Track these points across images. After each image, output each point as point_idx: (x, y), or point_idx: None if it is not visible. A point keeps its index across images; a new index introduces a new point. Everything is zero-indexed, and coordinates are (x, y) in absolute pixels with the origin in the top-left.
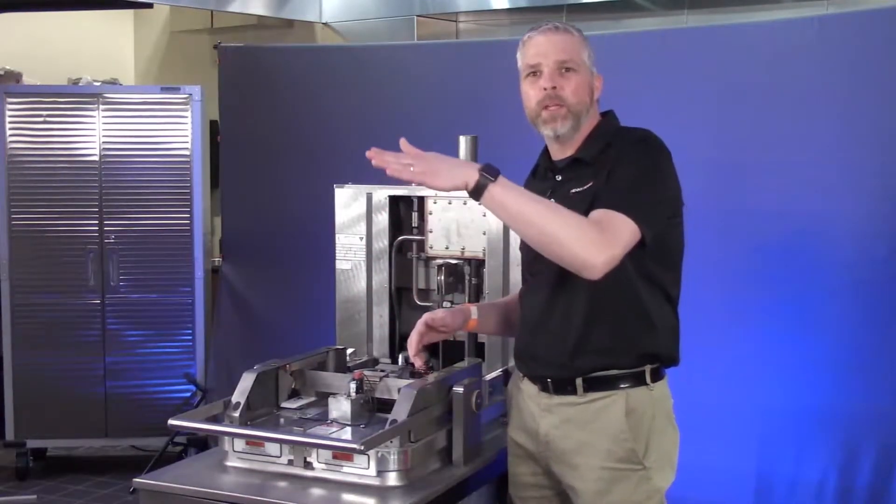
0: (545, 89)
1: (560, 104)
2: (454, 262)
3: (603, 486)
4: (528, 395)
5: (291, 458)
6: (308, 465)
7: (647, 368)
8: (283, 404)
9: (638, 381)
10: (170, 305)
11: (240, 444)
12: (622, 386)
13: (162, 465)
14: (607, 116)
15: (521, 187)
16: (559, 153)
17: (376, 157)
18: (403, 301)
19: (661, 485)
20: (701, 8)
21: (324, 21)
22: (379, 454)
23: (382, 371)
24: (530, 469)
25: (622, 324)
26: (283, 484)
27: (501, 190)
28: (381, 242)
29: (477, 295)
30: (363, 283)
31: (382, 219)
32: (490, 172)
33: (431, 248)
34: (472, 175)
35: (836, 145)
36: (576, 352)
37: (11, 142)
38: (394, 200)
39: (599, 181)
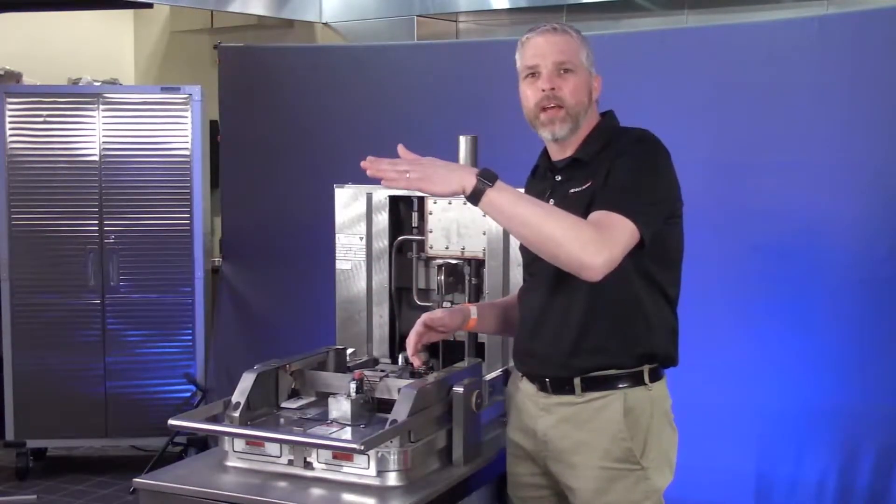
0: (543, 90)
1: (559, 106)
2: (454, 262)
3: (600, 486)
4: (526, 395)
5: (291, 458)
6: (308, 465)
7: (646, 368)
8: (283, 404)
9: (636, 381)
10: (170, 305)
11: (240, 444)
12: (620, 386)
13: (162, 465)
14: (606, 116)
15: (518, 191)
16: (558, 153)
17: (371, 166)
18: (403, 301)
19: (659, 484)
20: (701, 8)
21: (324, 21)
22: (379, 454)
23: (382, 371)
24: (529, 469)
25: (620, 324)
26: (283, 484)
27: (499, 194)
28: (381, 242)
29: (477, 295)
30: (363, 283)
31: (382, 219)
32: (487, 177)
33: (431, 248)
34: (469, 180)
35: (837, 145)
36: (574, 352)
37: (11, 142)
38: (394, 200)
39: (598, 181)
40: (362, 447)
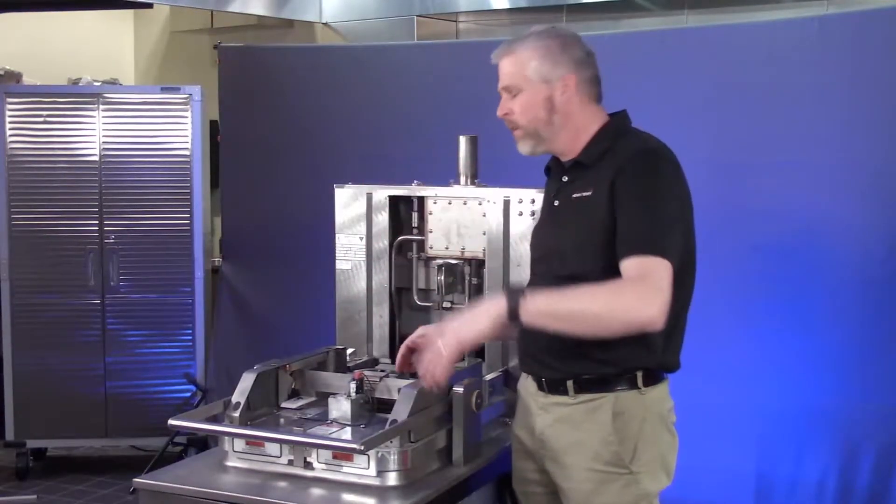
0: (501, 116)
1: (515, 127)
2: (454, 262)
3: (590, 488)
4: (528, 392)
5: (291, 458)
6: (308, 465)
7: (640, 373)
8: (283, 404)
9: (630, 384)
10: (170, 305)
11: (240, 444)
12: (612, 389)
13: (162, 465)
14: (615, 117)
15: (552, 304)
16: (563, 155)
17: (429, 383)
18: (403, 301)
19: (652, 489)
20: (701, 8)
21: (324, 21)
22: (379, 454)
23: (382, 371)
24: (530, 465)
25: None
26: (283, 484)
27: (534, 300)
28: (381, 242)
29: (477, 295)
30: (363, 283)
31: (382, 219)
32: (514, 294)
33: (431, 248)
34: (499, 304)
35: (837, 145)
36: (566, 355)
37: (11, 142)
38: (394, 200)
39: (599, 191)
40: (362, 447)
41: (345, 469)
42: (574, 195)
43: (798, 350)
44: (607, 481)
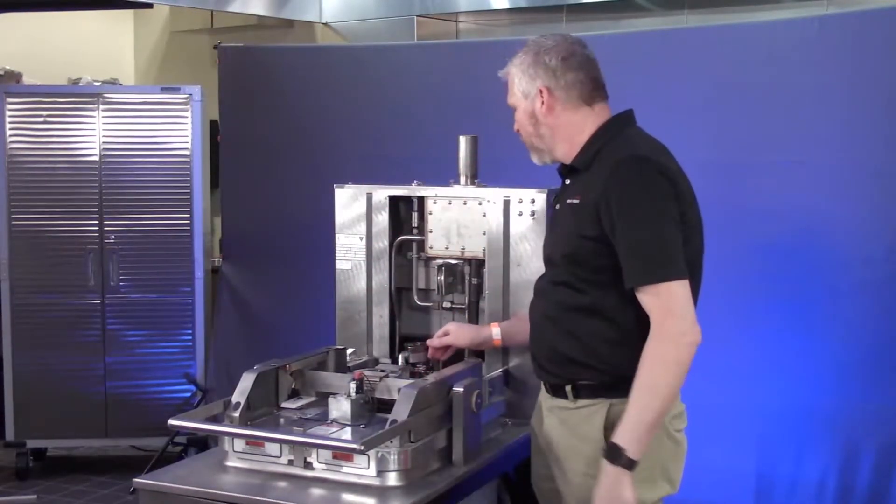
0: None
1: (524, 142)
2: (454, 262)
3: (584, 493)
4: (542, 391)
5: (291, 458)
6: (308, 465)
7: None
8: (283, 404)
9: (626, 391)
10: (170, 305)
11: (240, 444)
12: (608, 395)
13: (162, 465)
14: (613, 121)
15: (633, 422)
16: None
17: None
18: (403, 301)
19: (648, 497)
20: (701, 8)
21: (324, 21)
22: (379, 454)
23: (382, 371)
24: (543, 461)
25: (606, 341)
26: (283, 484)
27: (632, 436)
28: (381, 242)
29: (477, 295)
30: (363, 283)
31: (382, 219)
32: (615, 451)
33: (431, 248)
34: (620, 472)
35: (837, 145)
36: (563, 362)
37: (11, 142)
38: (394, 200)
39: (585, 200)
40: (362, 447)
41: (345, 469)
42: (568, 200)
43: (798, 350)
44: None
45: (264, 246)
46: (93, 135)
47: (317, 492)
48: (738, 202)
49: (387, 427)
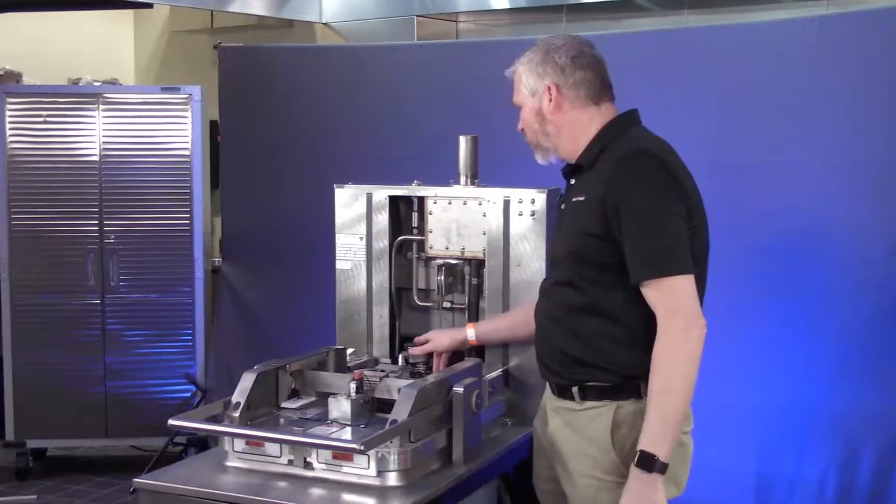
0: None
1: (528, 141)
2: (454, 262)
3: (590, 495)
4: (547, 392)
5: (291, 458)
6: (308, 465)
7: (642, 382)
8: (283, 404)
9: (633, 392)
10: (170, 305)
11: (240, 444)
12: (615, 398)
13: (162, 465)
14: (617, 119)
15: (658, 425)
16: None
17: None
18: (403, 301)
19: None
20: (701, 8)
21: (324, 21)
22: (379, 454)
23: (382, 371)
24: (545, 463)
25: (613, 341)
26: (283, 484)
27: (659, 439)
28: (381, 242)
29: (477, 295)
30: (363, 283)
31: (382, 219)
32: (648, 460)
33: (431, 248)
34: (652, 478)
35: (837, 145)
36: (569, 363)
37: (11, 142)
38: (394, 200)
39: (590, 197)
40: (362, 447)
41: (345, 469)
42: (573, 199)
43: (798, 350)
44: (605, 489)
45: (264, 246)
46: (93, 135)
47: (317, 492)
48: (738, 202)
49: (387, 427)
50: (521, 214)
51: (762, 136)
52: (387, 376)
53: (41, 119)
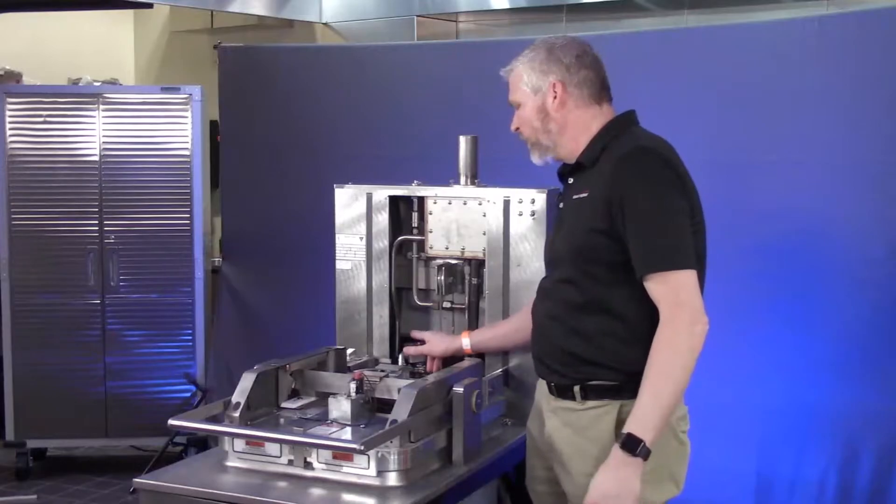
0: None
1: (524, 139)
2: (454, 262)
3: None
4: (541, 392)
5: (291, 458)
6: (308, 465)
7: None
8: (283, 404)
9: (635, 392)
10: (170, 305)
11: (240, 444)
12: (618, 397)
13: (162, 465)
14: (618, 119)
15: (648, 410)
16: (569, 159)
17: None
18: (403, 301)
19: (655, 499)
20: (701, 8)
21: (324, 21)
22: (379, 454)
23: (382, 371)
24: (540, 464)
25: (615, 339)
26: (283, 484)
27: (646, 422)
28: (381, 242)
29: (477, 295)
30: (363, 283)
31: (382, 219)
32: (633, 442)
33: (431, 248)
34: (633, 460)
35: (837, 145)
36: (570, 363)
37: (11, 142)
38: (394, 200)
39: (594, 192)
40: (362, 447)
41: (345, 469)
42: (574, 197)
43: (798, 350)
44: None
45: (264, 246)
46: (93, 135)
47: (317, 492)
48: (738, 202)
49: (387, 427)
50: (521, 214)
51: (762, 136)
52: (387, 376)
53: (41, 119)
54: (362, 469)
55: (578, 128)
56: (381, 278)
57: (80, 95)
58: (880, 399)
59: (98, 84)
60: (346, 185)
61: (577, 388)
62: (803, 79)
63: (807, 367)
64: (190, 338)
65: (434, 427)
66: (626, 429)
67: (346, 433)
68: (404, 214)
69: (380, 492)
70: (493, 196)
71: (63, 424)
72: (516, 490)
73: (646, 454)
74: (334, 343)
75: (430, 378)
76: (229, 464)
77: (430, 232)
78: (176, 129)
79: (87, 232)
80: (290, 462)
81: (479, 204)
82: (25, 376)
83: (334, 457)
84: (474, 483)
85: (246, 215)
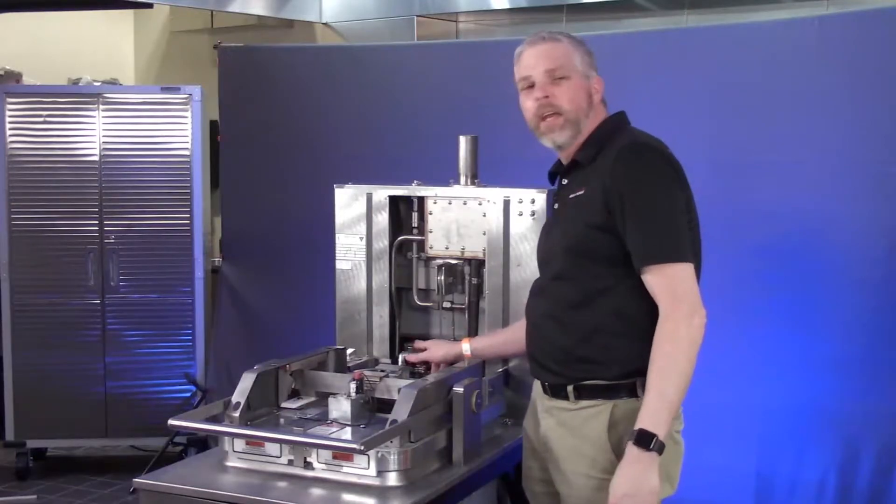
0: (538, 100)
1: (557, 113)
2: (454, 262)
3: (586, 494)
4: (536, 392)
5: (291, 458)
6: (308, 465)
7: (639, 380)
8: (283, 404)
9: (628, 392)
10: (170, 305)
11: (240, 444)
12: (611, 397)
13: (162, 465)
14: (611, 118)
15: (657, 404)
16: (565, 157)
17: None
18: (403, 301)
19: None
20: (701, 8)
21: (324, 21)
22: (379, 454)
23: (382, 371)
24: (536, 464)
25: (611, 336)
26: (283, 484)
27: (656, 417)
28: (381, 242)
29: (477, 295)
30: (363, 283)
31: (382, 219)
32: (646, 438)
33: (431, 248)
34: (647, 455)
35: (837, 145)
36: (565, 360)
37: (11, 142)
38: (394, 200)
39: (592, 189)
40: (362, 447)
41: (345, 469)
42: (571, 196)
43: (798, 350)
44: (603, 488)
45: (264, 246)
46: (93, 135)
47: (317, 492)
48: (738, 202)
49: (387, 427)
50: (521, 214)
51: (762, 136)
52: (387, 376)
53: (41, 119)
54: (362, 469)
55: (591, 124)
56: (381, 278)
57: (80, 95)
58: (880, 399)
59: (98, 84)
60: (346, 185)
61: (570, 388)
62: (803, 79)
63: (807, 366)
64: (190, 338)
65: (434, 427)
66: (638, 425)
67: (346, 433)
68: (404, 214)
69: (380, 492)
70: (493, 196)
71: (63, 424)
72: (516, 490)
73: (660, 448)
74: (334, 343)
75: (430, 378)
76: (229, 464)
77: (430, 232)
78: (176, 129)
79: (87, 232)
80: (290, 462)
81: (479, 204)
82: (25, 376)
83: (334, 457)
84: (474, 483)
85: (246, 215)
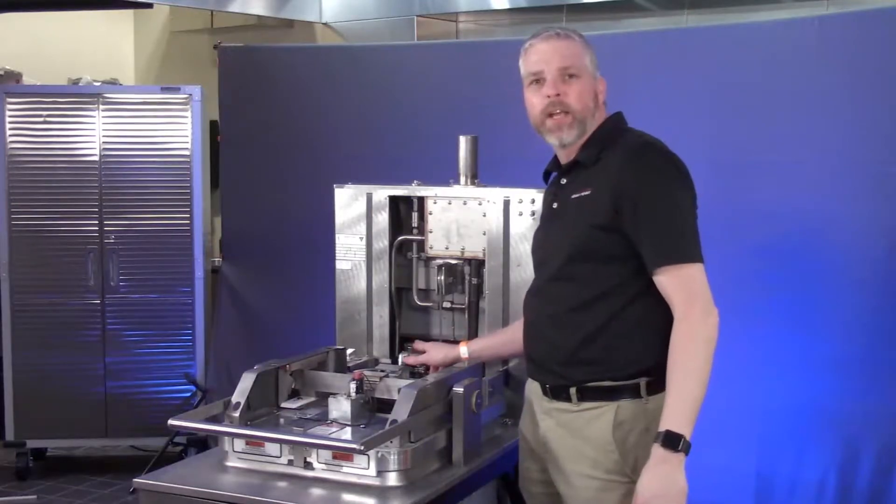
0: (549, 97)
1: (565, 111)
2: (454, 262)
3: (589, 495)
4: (534, 394)
5: (291, 458)
6: (308, 466)
7: (642, 381)
8: (283, 404)
9: (633, 393)
10: (170, 305)
11: (240, 444)
12: (615, 397)
13: (162, 465)
14: (611, 119)
15: (682, 404)
16: (564, 157)
17: None
18: (403, 301)
19: None
20: (701, 8)
21: (324, 21)
22: (379, 454)
23: (382, 371)
24: (534, 465)
25: (614, 337)
26: (283, 484)
27: (680, 419)
28: (381, 242)
29: (477, 295)
30: (363, 283)
31: (382, 219)
32: (673, 438)
33: (431, 248)
34: (674, 456)
35: (837, 145)
36: (568, 362)
37: (11, 142)
38: (394, 200)
39: (599, 189)
40: (362, 447)
41: (345, 469)
42: (573, 196)
43: (798, 350)
44: (607, 489)
45: (264, 246)
46: (93, 135)
47: (317, 492)
48: (738, 202)
49: (387, 427)
50: (521, 214)
51: (762, 136)
52: (387, 376)
53: (41, 119)
54: (362, 469)
55: (593, 125)
56: (381, 278)
57: (80, 95)
58: (880, 399)
59: (98, 84)
60: (346, 185)
61: (573, 390)
62: (803, 79)
63: (807, 366)
64: (190, 338)
65: (434, 427)
66: (664, 426)
67: (346, 433)
68: (404, 214)
69: (380, 492)
70: (493, 196)
71: (63, 424)
72: (516, 490)
73: (687, 448)
74: (334, 343)
75: (430, 378)
76: (229, 464)
77: (430, 232)
78: (176, 129)
79: (86, 232)
80: (290, 462)
81: (479, 204)
82: (25, 376)
83: (334, 457)
84: (474, 483)
85: (246, 215)
